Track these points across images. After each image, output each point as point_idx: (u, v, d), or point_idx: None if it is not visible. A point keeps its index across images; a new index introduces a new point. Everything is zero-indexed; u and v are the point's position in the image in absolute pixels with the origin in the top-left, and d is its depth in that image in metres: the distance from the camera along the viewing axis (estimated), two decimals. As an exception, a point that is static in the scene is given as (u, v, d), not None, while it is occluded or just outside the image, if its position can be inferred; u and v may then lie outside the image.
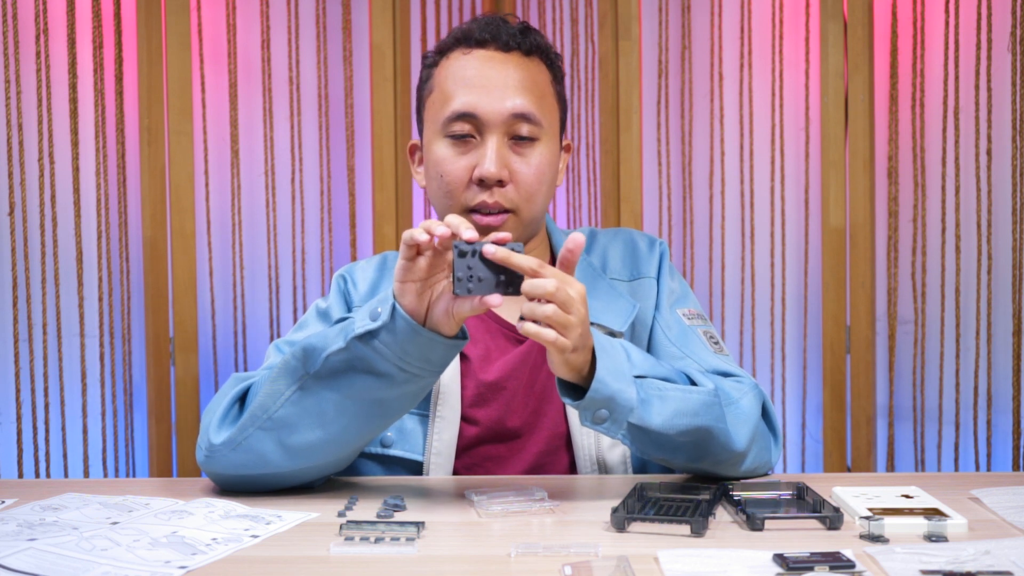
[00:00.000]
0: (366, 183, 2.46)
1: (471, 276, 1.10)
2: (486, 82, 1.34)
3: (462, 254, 1.10)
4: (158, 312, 2.33)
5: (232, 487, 1.25)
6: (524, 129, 1.34)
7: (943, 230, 2.32)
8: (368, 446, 1.36)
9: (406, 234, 1.12)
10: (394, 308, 1.12)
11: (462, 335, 1.16)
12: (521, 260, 1.09)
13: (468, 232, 1.10)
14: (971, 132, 2.27)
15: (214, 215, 2.42)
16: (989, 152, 2.24)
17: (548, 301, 1.09)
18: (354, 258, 2.44)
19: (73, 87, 2.26)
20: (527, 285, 1.09)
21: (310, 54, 2.45)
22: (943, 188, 2.31)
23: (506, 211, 1.35)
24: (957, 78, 2.27)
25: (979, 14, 2.23)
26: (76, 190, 2.27)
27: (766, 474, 1.32)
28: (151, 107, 2.31)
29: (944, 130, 2.30)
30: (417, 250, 1.13)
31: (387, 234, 2.37)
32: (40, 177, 2.25)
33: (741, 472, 1.27)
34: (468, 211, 1.35)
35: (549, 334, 1.09)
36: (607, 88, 2.41)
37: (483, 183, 1.33)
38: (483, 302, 1.10)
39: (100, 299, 2.29)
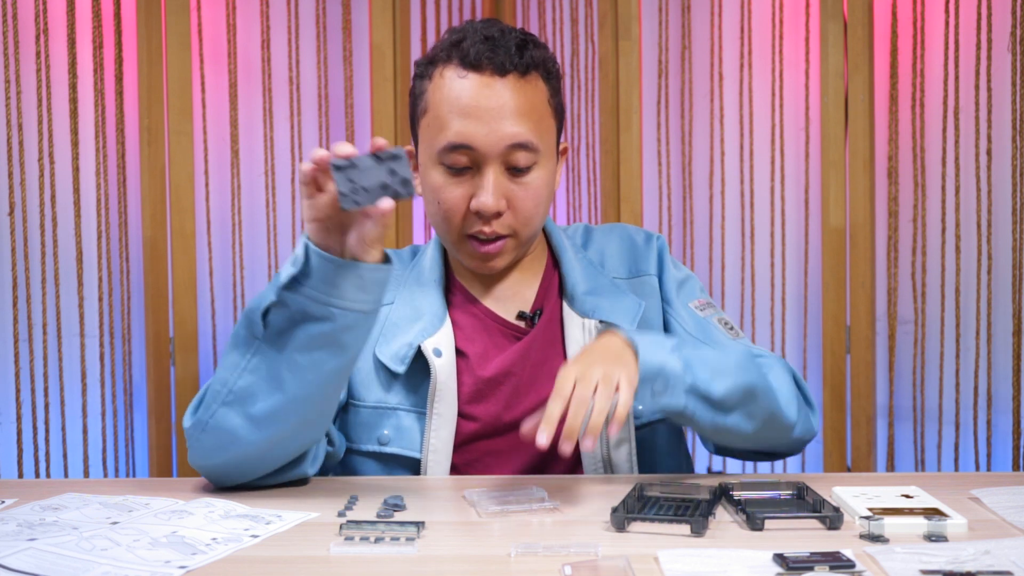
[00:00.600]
0: (366, 183, 2.46)
1: (355, 189, 1.11)
2: (482, 112, 1.29)
3: (339, 168, 1.11)
4: (158, 312, 2.33)
5: (217, 478, 1.25)
6: (522, 159, 1.31)
7: (943, 230, 2.32)
8: (366, 444, 1.36)
9: (300, 170, 1.14)
10: (307, 247, 1.14)
11: (386, 260, 1.18)
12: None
13: (342, 148, 1.10)
14: (971, 132, 2.27)
15: (214, 215, 2.42)
16: (989, 152, 2.24)
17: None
18: (354, 258, 2.43)
19: (73, 87, 2.26)
20: (559, 407, 1.11)
21: (310, 54, 2.45)
22: (943, 188, 2.31)
23: (503, 236, 1.35)
24: (957, 78, 2.27)
25: (979, 14, 2.23)
26: (76, 190, 2.27)
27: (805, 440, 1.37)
28: (151, 107, 2.31)
29: (944, 130, 2.30)
30: (316, 186, 1.14)
31: (387, 234, 2.37)
32: (40, 177, 2.25)
33: (793, 440, 1.32)
34: (466, 237, 1.35)
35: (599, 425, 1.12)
36: (607, 88, 2.41)
37: (481, 215, 1.32)
38: (377, 211, 1.11)
39: (100, 299, 2.29)
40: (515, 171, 1.32)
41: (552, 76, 1.37)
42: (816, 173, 2.40)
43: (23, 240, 2.25)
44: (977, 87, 2.24)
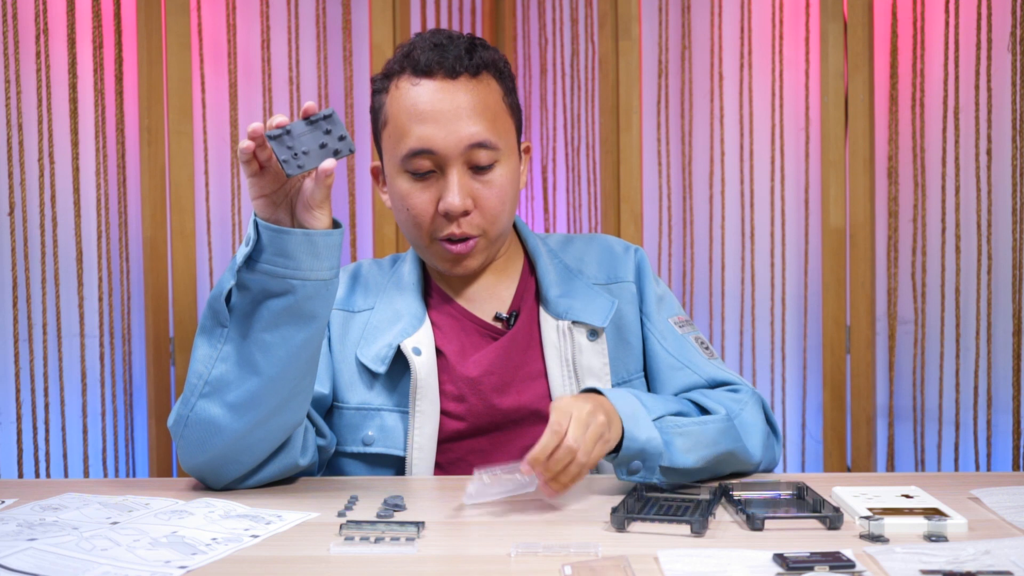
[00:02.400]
0: (365, 184, 2.46)
1: (295, 154, 1.13)
2: (438, 116, 1.33)
3: (275, 138, 1.13)
4: (158, 312, 2.33)
5: (210, 476, 1.26)
6: (483, 157, 1.35)
7: (943, 230, 2.32)
8: (351, 446, 1.38)
9: (239, 149, 1.15)
10: (256, 224, 1.16)
11: (336, 224, 1.21)
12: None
13: (275, 119, 1.13)
14: (971, 132, 2.27)
15: (214, 215, 2.42)
16: (989, 152, 2.24)
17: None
18: (354, 258, 2.44)
19: (73, 87, 2.26)
20: (537, 462, 1.12)
21: (310, 54, 2.45)
22: (943, 188, 2.31)
23: (473, 236, 1.37)
24: (957, 78, 2.27)
25: (979, 14, 2.23)
26: (76, 190, 2.27)
27: (769, 469, 1.38)
28: (151, 107, 2.31)
29: (944, 130, 2.30)
30: (258, 165, 1.17)
31: (387, 234, 2.37)
32: (40, 177, 2.25)
33: (752, 472, 1.35)
34: (437, 240, 1.37)
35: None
36: (607, 88, 2.41)
37: (449, 216, 1.35)
38: (321, 172, 1.15)
39: (100, 299, 2.29)
40: (477, 170, 1.36)
41: (504, 76, 1.41)
42: (816, 173, 2.40)
43: (23, 240, 2.24)
44: (977, 87, 2.24)
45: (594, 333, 1.39)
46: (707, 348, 1.44)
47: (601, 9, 2.41)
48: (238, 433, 1.21)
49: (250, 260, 1.17)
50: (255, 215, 1.18)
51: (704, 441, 1.24)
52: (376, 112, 1.41)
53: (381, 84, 1.40)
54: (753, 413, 1.34)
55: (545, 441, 1.11)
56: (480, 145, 1.34)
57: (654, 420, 1.22)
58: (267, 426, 1.23)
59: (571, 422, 1.13)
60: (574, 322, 1.39)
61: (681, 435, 1.23)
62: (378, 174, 1.46)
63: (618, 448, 1.19)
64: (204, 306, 1.23)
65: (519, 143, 1.44)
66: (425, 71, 1.35)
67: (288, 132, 1.13)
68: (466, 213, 1.35)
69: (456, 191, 1.34)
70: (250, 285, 1.18)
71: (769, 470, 1.37)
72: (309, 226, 1.18)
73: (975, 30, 2.24)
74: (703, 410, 1.32)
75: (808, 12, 2.38)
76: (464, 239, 1.37)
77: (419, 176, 1.35)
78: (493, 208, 1.37)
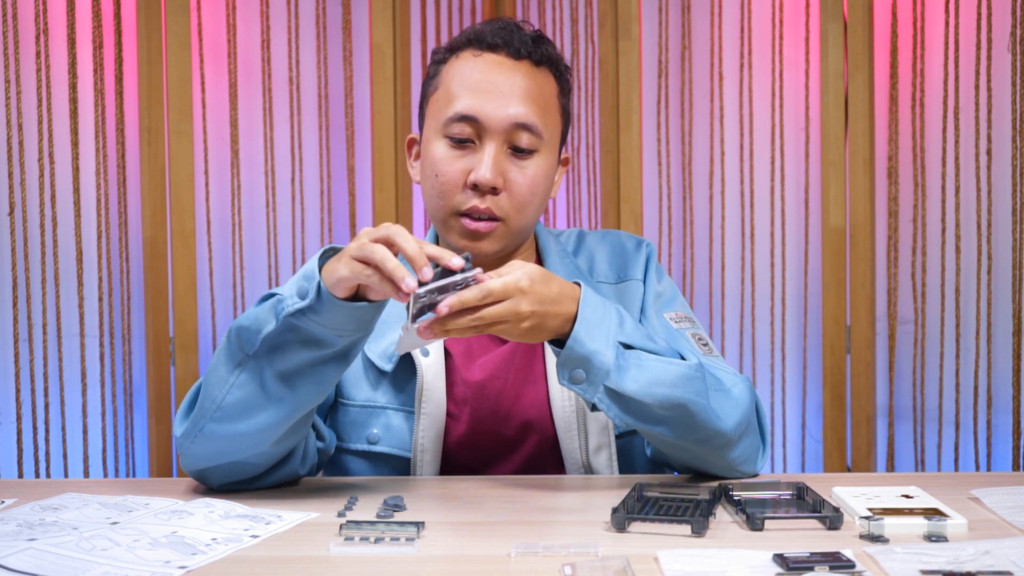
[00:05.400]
0: (366, 183, 2.46)
1: (421, 308, 1.10)
2: (492, 87, 1.33)
3: (418, 297, 1.09)
4: (158, 312, 2.33)
5: (209, 479, 1.26)
6: (524, 139, 1.33)
7: (943, 230, 2.32)
8: (355, 443, 1.37)
9: (378, 256, 1.09)
10: (320, 288, 1.12)
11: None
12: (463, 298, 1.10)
13: (426, 272, 1.09)
14: (971, 132, 2.27)
15: (214, 215, 2.42)
16: (989, 152, 2.24)
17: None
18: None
19: (73, 87, 2.26)
20: (454, 304, 1.09)
21: (310, 54, 2.45)
22: (943, 188, 2.31)
23: (496, 219, 1.34)
24: (957, 78, 2.27)
25: (979, 14, 2.23)
26: (76, 190, 2.27)
27: (755, 475, 1.32)
28: (151, 107, 2.31)
29: (944, 130, 2.30)
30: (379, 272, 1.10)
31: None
32: (40, 177, 2.25)
33: (730, 459, 1.27)
34: (459, 215, 1.34)
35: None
36: (607, 88, 2.41)
37: (477, 188, 1.33)
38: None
39: (100, 299, 2.29)
40: (516, 151, 1.34)
41: (563, 77, 1.40)
42: (816, 173, 2.40)
43: (23, 240, 2.24)
44: (977, 87, 2.24)
45: None
46: (705, 344, 1.40)
47: (601, 9, 2.41)
48: (245, 453, 1.21)
49: (298, 311, 1.14)
50: (322, 282, 1.12)
51: (662, 379, 1.17)
52: (429, 79, 1.40)
53: (442, 56, 1.40)
54: (741, 391, 1.27)
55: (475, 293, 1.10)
56: (525, 127, 1.33)
57: (623, 345, 1.18)
58: (275, 445, 1.22)
59: (511, 283, 1.11)
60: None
61: (638, 366, 1.17)
62: (412, 146, 1.44)
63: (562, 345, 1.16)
64: (230, 330, 1.19)
65: (561, 149, 1.42)
66: (490, 46, 1.35)
67: (429, 292, 1.10)
68: (495, 191, 1.33)
69: (490, 165, 1.32)
70: (288, 325, 1.15)
71: (750, 472, 1.30)
72: (366, 297, 1.14)
73: (975, 30, 2.24)
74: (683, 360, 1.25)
75: (808, 12, 2.38)
76: (486, 219, 1.34)
77: (457, 143, 1.34)
78: (523, 195, 1.34)
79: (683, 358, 1.24)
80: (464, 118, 1.33)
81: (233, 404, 1.18)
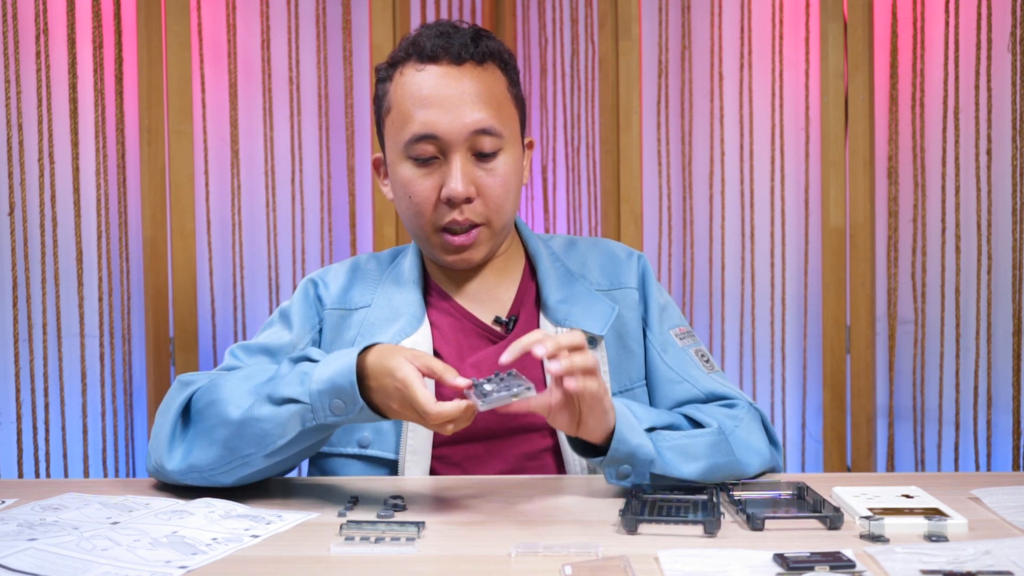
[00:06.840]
0: (366, 183, 2.46)
1: (487, 395, 1.12)
2: (442, 100, 1.32)
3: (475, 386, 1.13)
4: (158, 312, 2.33)
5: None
6: (487, 143, 1.34)
7: (943, 230, 2.32)
8: (345, 447, 1.38)
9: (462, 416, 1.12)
10: (363, 409, 1.15)
11: None
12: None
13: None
14: (971, 132, 2.27)
15: (214, 215, 2.42)
16: (989, 152, 2.24)
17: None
18: (354, 258, 2.44)
19: (73, 87, 2.26)
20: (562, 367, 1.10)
21: (310, 54, 2.45)
22: (943, 188, 2.31)
23: (476, 225, 1.36)
24: (957, 78, 2.27)
25: (979, 14, 2.23)
26: (76, 190, 2.27)
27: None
28: (151, 107, 2.31)
29: (944, 130, 2.30)
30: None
31: (387, 234, 2.37)
32: (40, 177, 2.25)
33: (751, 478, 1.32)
34: (439, 230, 1.36)
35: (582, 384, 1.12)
36: (607, 88, 2.41)
37: (451, 202, 1.33)
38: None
39: (100, 299, 2.29)
40: (481, 157, 1.34)
41: (509, 67, 1.40)
42: (816, 173, 2.40)
43: (23, 240, 2.24)
44: (977, 87, 2.24)
45: (593, 341, 1.37)
46: (707, 361, 1.43)
47: (601, 9, 2.41)
48: (235, 486, 1.25)
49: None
50: (374, 411, 1.16)
51: (694, 454, 1.22)
52: (379, 100, 1.40)
53: (385, 72, 1.39)
54: (749, 430, 1.31)
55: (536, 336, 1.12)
56: (484, 131, 1.33)
57: (645, 430, 1.21)
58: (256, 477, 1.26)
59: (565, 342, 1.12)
60: (573, 329, 1.37)
61: (670, 449, 1.22)
62: (379, 165, 1.45)
63: (606, 449, 1.18)
64: (249, 426, 1.19)
65: (523, 135, 1.43)
66: (431, 57, 1.34)
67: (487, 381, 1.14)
68: (468, 200, 1.34)
69: (459, 177, 1.32)
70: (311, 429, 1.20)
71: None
72: None
73: (975, 30, 2.24)
74: (696, 424, 1.30)
75: (808, 12, 2.38)
76: (466, 230, 1.35)
77: (422, 162, 1.34)
78: (496, 196, 1.35)
79: (695, 423, 1.29)
80: (423, 138, 1.33)
81: (223, 481, 1.22)
